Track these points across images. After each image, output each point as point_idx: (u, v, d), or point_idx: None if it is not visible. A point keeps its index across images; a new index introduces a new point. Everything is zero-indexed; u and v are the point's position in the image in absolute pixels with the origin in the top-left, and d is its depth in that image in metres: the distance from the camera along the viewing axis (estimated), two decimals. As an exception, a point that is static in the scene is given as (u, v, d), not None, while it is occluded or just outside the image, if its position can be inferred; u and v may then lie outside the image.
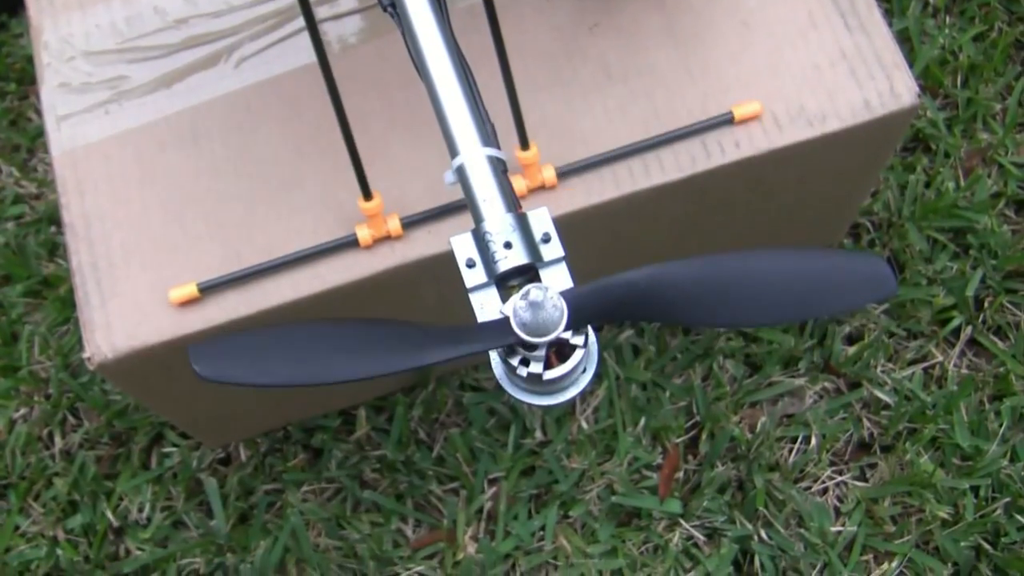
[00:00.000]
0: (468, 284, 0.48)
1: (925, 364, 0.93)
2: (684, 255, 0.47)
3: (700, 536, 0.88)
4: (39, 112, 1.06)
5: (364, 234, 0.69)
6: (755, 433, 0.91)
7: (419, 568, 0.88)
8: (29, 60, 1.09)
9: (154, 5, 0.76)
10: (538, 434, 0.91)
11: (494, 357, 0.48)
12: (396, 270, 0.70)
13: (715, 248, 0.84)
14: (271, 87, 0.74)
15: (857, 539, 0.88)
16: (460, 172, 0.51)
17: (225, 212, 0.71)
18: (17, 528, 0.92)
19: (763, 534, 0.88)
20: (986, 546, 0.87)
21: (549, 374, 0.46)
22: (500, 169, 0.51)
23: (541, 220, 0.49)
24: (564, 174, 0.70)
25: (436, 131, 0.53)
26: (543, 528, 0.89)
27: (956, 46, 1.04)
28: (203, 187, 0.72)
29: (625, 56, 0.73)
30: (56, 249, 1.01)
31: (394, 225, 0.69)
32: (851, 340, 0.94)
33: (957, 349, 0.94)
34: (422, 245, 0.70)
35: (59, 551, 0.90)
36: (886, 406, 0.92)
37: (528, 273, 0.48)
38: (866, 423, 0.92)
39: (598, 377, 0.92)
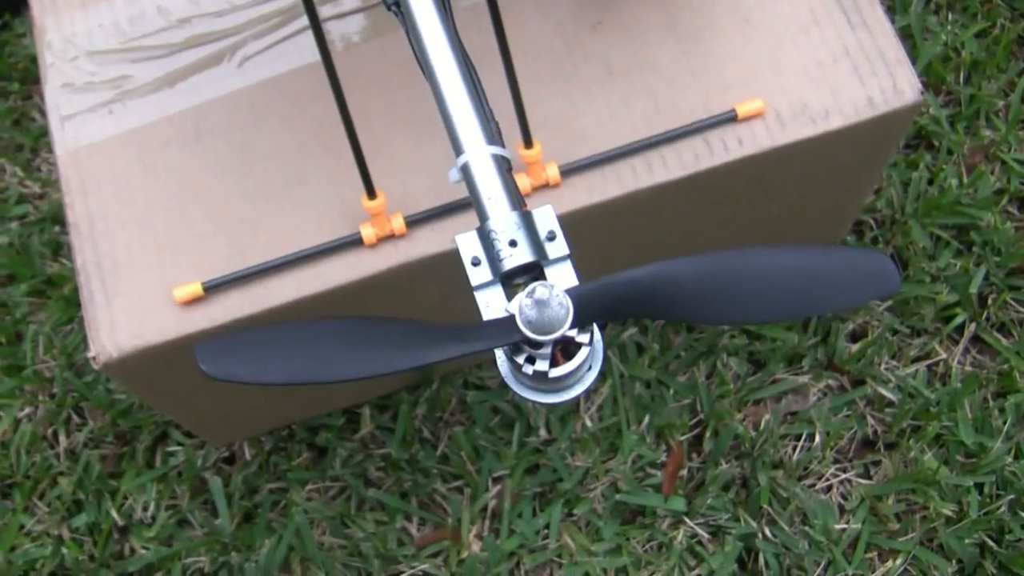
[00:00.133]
0: (473, 282, 0.48)
1: (929, 361, 0.93)
2: (687, 252, 0.47)
3: (704, 534, 0.88)
4: (42, 112, 1.07)
5: (368, 233, 0.69)
6: (759, 431, 0.91)
7: (423, 566, 0.88)
8: (32, 59, 1.09)
9: (157, 4, 0.76)
10: (542, 432, 0.91)
11: (500, 355, 0.48)
12: (400, 269, 0.70)
13: (718, 245, 0.84)
14: (274, 86, 0.74)
15: (861, 536, 0.88)
16: (465, 170, 0.51)
17: (229, 210, 0.71)
18: (22, 527, 0.92)
19: (767, 532, 0.88)
20: (990, 543, 0.87)
21: (555, 372, 0.46)
22: (505, 167, 0.51)
23: (546, 218, 0.49)
24: (567, 172, 0.70)
25: (439, 129, 0.53)
26: (547, 526, 0.89)
27: (958, 43, 1.04)
28: (206, 185, 0.72)
29: (627, 53, 0.73)
30: (60, 249, 1.01)
31: (398, 224, 0.69)
32: (855, 337, 0.95)
33: (961, 346, 0.94)
34: (426, 244, 0.70)
35: (64, 550, 0.91)
36: (890, 403, 0.92)
37: (533, 271, 0.48)
38: (870, 420, 0.92)
39: (602, 375, 0.92)
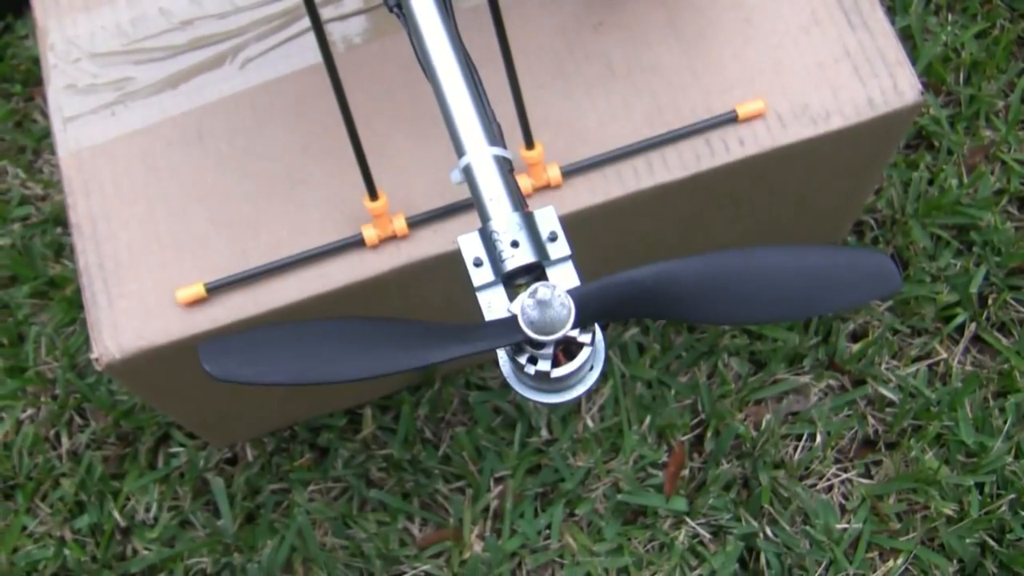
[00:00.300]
0: (475, 283, 0.48)
1: (929, 361, 0.94)
2: (689, 252, 0.47)
3: (706, 534, 0.89)
4: (44, 113, 1.07)
5: (370, 234, 0.69)
6: (760, 431, 0.91)
7: (425, 567, 0.89)
8: (34, 61, 1.09)
9: (159, 6, 0.77)
10: (544, 432, 0.92)
11: (502, 355, 0.48)
12: (402, 270, 0.70)
13: (719, 245, 0.84)
14: (276, 87, 0.74)
15: (862, 536, 0.88)
16: (467, 172, 0.51)
17: (231, 211, 0.72)
18: (24, 528, 0.93)
19: (768, 531, 0.88)
20: (991, 542, 0.87)
21: (557, 372, 0.47)
22: (506, 169, 0.51)
23: (548, 219, 0.49)
24: (569, 173, 0.71)
25: (441, 130, 0.53)
26: (549, 526, 0.89)
27: (958, 43, 1.04)
28: (208, 186, 0.72)
29: (628, 53, 0.73)
30: (62, 250, 1.02)
31: (400, 225, 0.69)
32: (855, 337, 0.95)
33: (961, 346, 0.94)
34: (428, 244, 0.70)
35: (66, 551, 0.91)
36: (891, 403, 0.92)
37: (535, 272, 0.49)
38: (871, 420, 0.92)
39: (603, 375, 0.92)
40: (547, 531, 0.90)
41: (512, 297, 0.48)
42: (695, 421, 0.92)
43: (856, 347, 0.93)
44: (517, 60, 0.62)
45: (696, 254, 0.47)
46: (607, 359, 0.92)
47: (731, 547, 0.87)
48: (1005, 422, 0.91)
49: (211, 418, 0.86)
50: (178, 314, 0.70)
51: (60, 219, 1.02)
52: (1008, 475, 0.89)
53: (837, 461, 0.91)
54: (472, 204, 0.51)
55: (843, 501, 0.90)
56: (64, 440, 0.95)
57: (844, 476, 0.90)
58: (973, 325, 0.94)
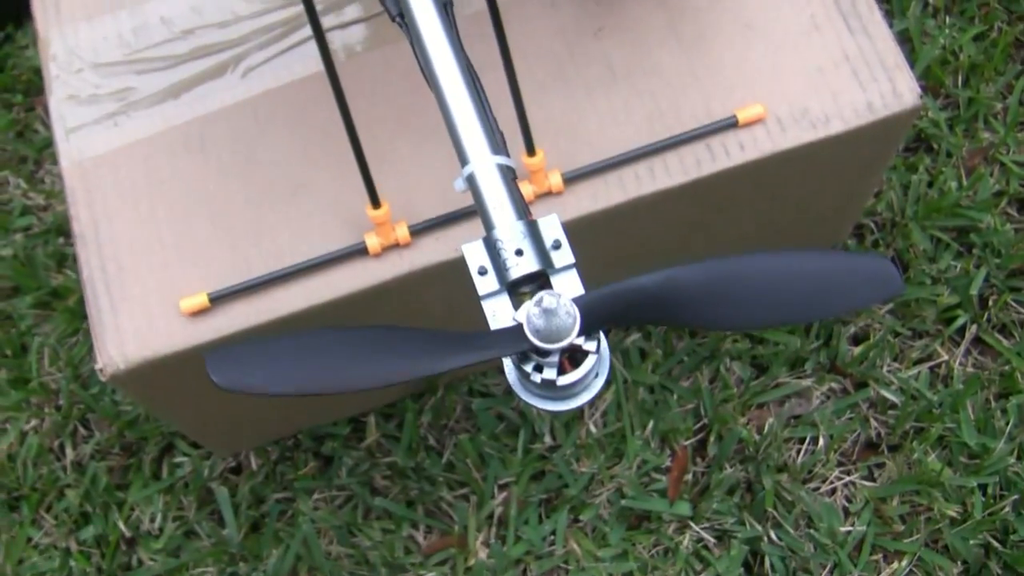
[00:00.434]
0: (480, 291, 0.48)
1: (931, 363, 0.94)
2: (690, 257, 0.47)
3: (710, 538, 0.89)
4: (46, 123, 1.07)
5: (373, 242, 0.69)
6: (763, 434, 0.91)
7: (431, 574, 0.89)
8: (35, 71, 1.10)
9: (161, 16, 0.77)
10: (547, 439, 0.92)
11: (507, 363, 0.48)
12: (405, 278, 0.70)
13: (720, 249, 0.84)
14: (278, 96, 0.75)
15: (866, 539, 0.88)
16: (470, 180, 0.51)
17: (233, 219, 0.72)
18: (30, 540, 0.93)
19: (773, 535, 0.88)
20: (995, 544, 0.88)
21: (563, 380, 0.47)
22: (510, 177, 0.51)
23: (551, 227, 0.49)
24: (570, 179, 0.71)
25: (443, 138, 0.53)
26: (554, 532, 0.90)
27: (956, 46, 1.04)
28: (211, 195, 0.72)
29: (629, 57, 0.74)
30: (65, 260, 1.02)
31: (402, 233, 0.69)
32: (857, 340, 0.95)
33: (962, 348, 0.94)
34: (430, 252, 0.70)
35: (72, 562, 0.91)
36: (893, 405, 0.92)
37: (539, 280, 0.49)
38: (873, 423, 0.92)
39: (608, 382, 0.92)
40: (552, 537, 0.90)
41: (517, 305, 0.48)
42: (698, 425, 0.92)
43: (857, 350, 0.93)
44: (517, 62, 0.63)
45: (697, 258, 0.47)
46: (610, 365, 0.93)
47: (735, 551, 0.87)
48: (1007, 423, 0.91)
49: (215, 427, 0.86)
50: (182, 324, 0.70)
51: (62, 229, 1.02)
52: (1011, 476, 0.89)
53: (840, 464, 0.91)
54: (475, 211, 0.51)
55: (846, 504, 0.90)
56: (68, 451, 0.95)
57: (847, 479, 0.90)
58: (974, 327, 0.95)
